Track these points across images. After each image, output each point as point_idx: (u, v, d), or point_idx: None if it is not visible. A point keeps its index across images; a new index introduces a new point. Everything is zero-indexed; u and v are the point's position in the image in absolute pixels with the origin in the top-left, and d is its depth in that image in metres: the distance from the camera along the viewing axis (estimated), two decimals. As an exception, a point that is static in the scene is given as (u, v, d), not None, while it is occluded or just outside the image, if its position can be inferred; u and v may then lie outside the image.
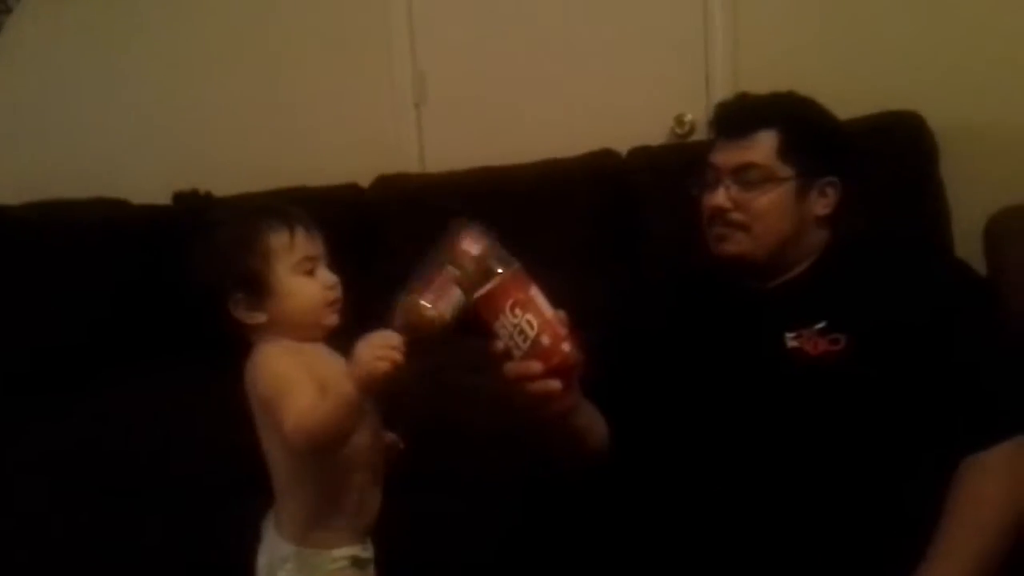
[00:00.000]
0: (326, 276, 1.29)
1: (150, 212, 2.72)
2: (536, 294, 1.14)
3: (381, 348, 1.10)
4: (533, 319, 1.13)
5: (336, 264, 1.31)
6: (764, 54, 2.56)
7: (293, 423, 1.16)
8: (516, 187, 2.48)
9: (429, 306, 1.13)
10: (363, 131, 2.86)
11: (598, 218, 2.43)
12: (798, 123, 1.43)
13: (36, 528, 2.07)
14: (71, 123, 3.05)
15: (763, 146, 1.41)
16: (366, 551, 1.33)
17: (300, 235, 1.27)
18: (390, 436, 1.37)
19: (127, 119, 3.01)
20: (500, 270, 1.15)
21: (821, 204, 1.43)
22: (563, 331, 1.14)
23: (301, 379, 1.18)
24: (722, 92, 2.54)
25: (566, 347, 1.14)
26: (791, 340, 1.34)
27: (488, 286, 1.14)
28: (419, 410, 1.71)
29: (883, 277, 1.37)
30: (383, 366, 1.09)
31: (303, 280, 1.27)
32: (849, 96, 2.13)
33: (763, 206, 1.40)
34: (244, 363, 1.26)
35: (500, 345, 1.14)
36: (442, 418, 1.89)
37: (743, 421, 1.33)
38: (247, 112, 2.94)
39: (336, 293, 1.29)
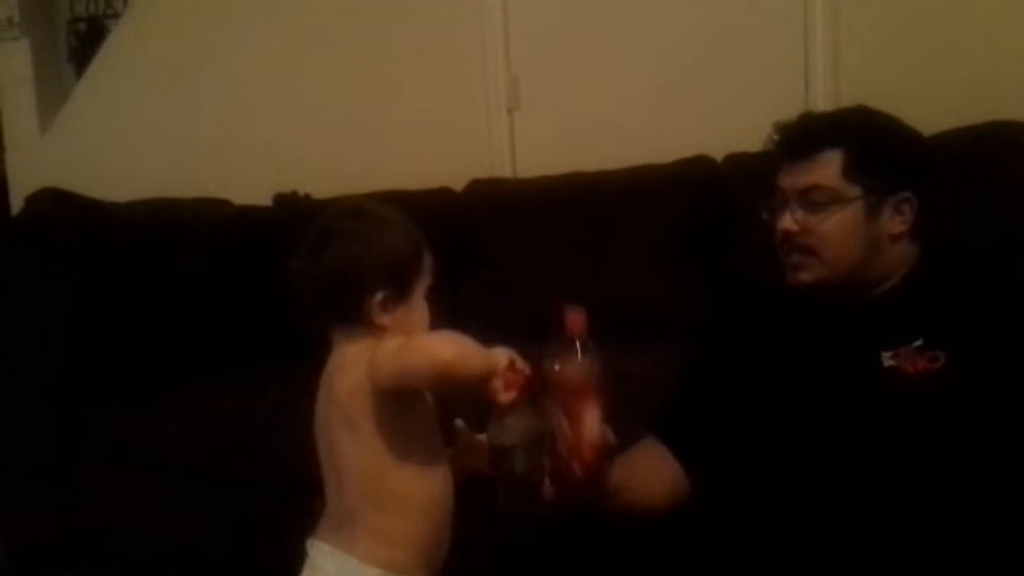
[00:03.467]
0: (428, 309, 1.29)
1: (250, 212, 2.80)
2: (589, 407, 1.20)
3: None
4: (567, 428, 1.21)
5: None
6: (865, 59, 2.47)
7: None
8: (608, 192, 2.46)
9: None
10: (457, 135, 2.89)
11: (691, 225, 2.38)
12: (865, 140, 1.38)
13: (127, 513, 2.17)
14: (178, 125, 3.19)
15: (827, 167, 1.36)
16: None
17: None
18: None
19: (231, 122, 3.13)
20: (577, 365, 1.20)
21: (896, 222, 1.37)
22: (586, 454, 1.20)
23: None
24: (822, 99, 2.49)
25: (577, 467, 1.20)
26: (888, 359, 1.30)
27: (564, 372, 1.20)
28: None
29: (981, 291, 1.32)
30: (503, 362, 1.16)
31: (425, 304, 1.27)
32: (955, 104, 2.08)
33: (830, 229, 1.36)
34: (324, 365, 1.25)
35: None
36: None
37: (838, 442, 1.30)
38: (345, 117, 3.01)
39: None
